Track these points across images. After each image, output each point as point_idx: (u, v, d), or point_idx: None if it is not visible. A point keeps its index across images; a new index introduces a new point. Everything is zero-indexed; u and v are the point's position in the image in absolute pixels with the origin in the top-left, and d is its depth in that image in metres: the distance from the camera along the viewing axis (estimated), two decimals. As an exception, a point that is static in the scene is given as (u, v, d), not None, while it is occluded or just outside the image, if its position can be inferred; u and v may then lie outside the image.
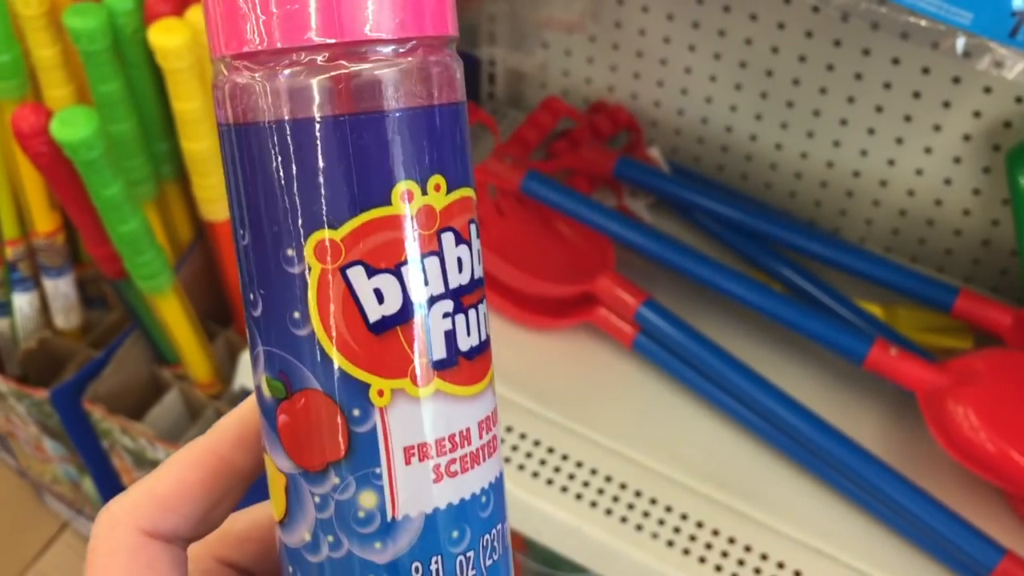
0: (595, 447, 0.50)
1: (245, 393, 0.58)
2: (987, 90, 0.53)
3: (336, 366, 0.20)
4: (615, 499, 0.49)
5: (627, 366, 0.55)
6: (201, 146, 0.54)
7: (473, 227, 0.21)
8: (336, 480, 0.20)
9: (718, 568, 0.46)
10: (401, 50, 0.19)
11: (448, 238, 0.20)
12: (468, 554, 0.20)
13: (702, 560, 0.47)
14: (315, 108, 0.19)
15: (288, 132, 0.19)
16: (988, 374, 0.47)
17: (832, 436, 0.48)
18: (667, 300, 0.53)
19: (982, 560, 0.44)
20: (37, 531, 0.84)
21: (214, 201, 0.57)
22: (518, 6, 0.53)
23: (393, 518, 0.20)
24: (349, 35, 0.19)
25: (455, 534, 0.20)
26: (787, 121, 0.61)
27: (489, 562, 0.21)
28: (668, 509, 0.49)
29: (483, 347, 0.21)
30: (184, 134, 0.54)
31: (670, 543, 0.47)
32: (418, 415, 0.20)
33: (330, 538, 0.20)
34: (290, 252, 0.19)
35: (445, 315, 0.20)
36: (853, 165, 0.60)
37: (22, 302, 0.66)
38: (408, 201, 0.19)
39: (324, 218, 0.19)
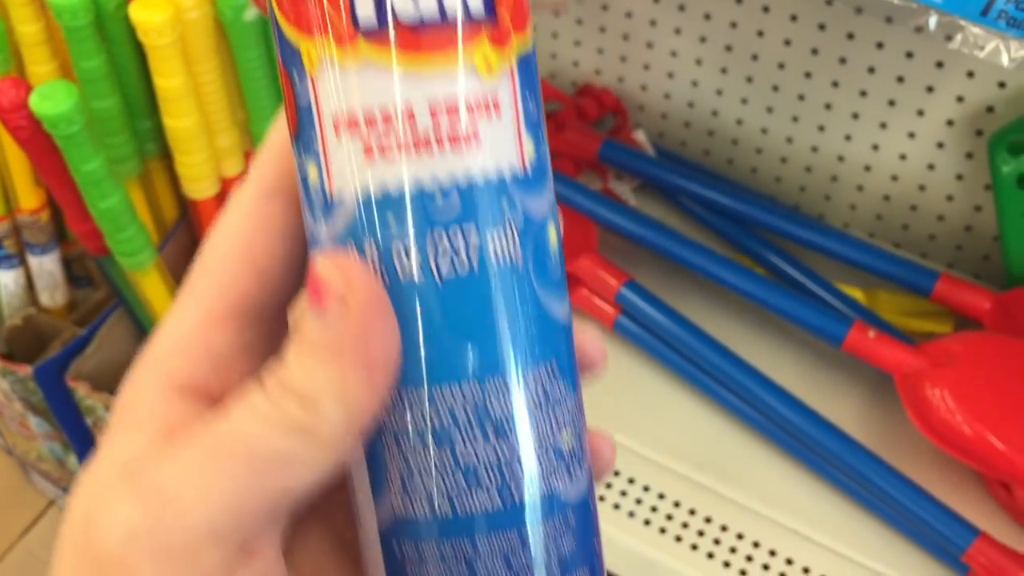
0: (574, 427, 0.50)
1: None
2: (970, 75, 0.53)
3: (282, 31, 0.19)
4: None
5: (608, 347, 0.55)
6: (184, 123, 0.54)
7: None
8: (296, 153, 0.20)
9: (694, 547, 0.46)
10: None
11: None
12: (408, 247, 0.19)
13: (678, 539, 0.47)
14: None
15: None
16: (965, 357, 0.47)
17: (810, 418, 0.48)
18: (649, 282, 0.53)
19: (957, 540, 0.44)
20: (24, 509, 0.84)
21: (197, 179, 0.57)
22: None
23: (330, 193, 0.19)
24: None
25: (392, 220, 0.19)
26: (772, 105, 0.61)
27: (444, 264, 0.19)
28: (646, 489, 0.49)
29: (446, 18, 0.18)
30: (167, 111, 0.54)
31: (647, 522, 0.47)
32: (343, 84, 0.18)
33: (304, 211, 0.20)
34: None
35: None
36: (837, 150, 0.60)
37: (7, 279, 0.66)
38: None
39: None
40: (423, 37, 0.18)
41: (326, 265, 0.18)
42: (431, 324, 0.19)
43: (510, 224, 0.19)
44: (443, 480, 0.19)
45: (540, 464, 0.20)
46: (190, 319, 0.20)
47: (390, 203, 0.19)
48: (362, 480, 0.20)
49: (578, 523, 0.21)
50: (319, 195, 0.19)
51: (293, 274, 0.20)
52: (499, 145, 0.19)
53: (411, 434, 0.19)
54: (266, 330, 0.20)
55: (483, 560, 0.19)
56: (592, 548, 0.22)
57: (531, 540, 0.20)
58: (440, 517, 0.19)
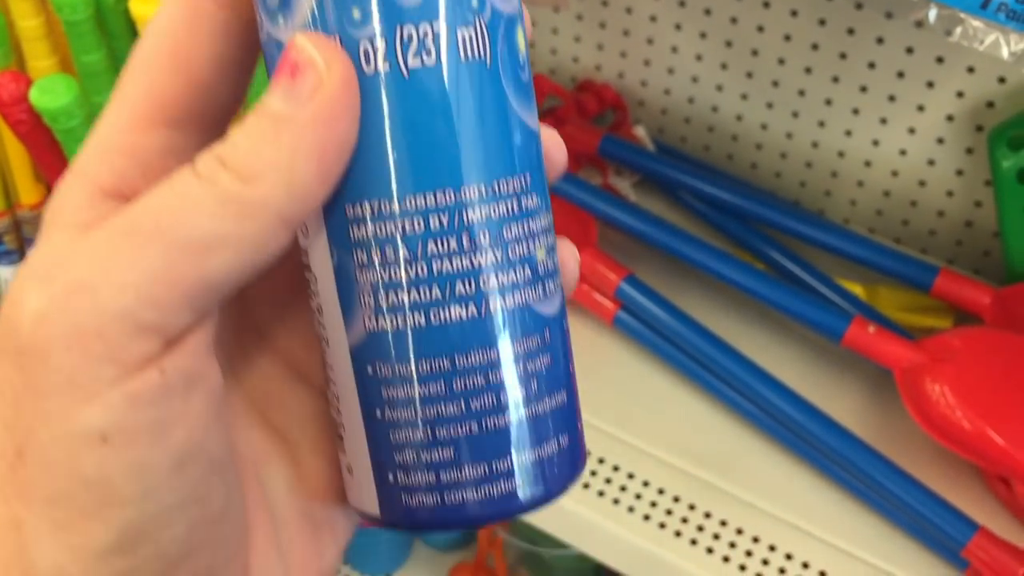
0: (574, 422, 0.50)
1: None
2: (970, 70, 0.53)
3: None
4: (593, 473, 0.49)
5: (608, 342, 0.55)
6: (184, 118, 0.54)
7: None
8: None
9: (693, 542, 0.46)
10: None
11: None
12: (375, 41, 0.18)
13: (677, 534, 0.47)
14: None
15: None
16: (965, 352, 0.47)
17: (810, 413, 0.48)
18: (649, 278, 0.53)
19: (956, 536, 0.44)
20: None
21: (197, 174, 0.57)
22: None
23: None
24: None
25: (357, 13, 0.18)
26: (772, 101, 0.61)
27: (412, 61, 0.18)
28: (646, 484, 0.49)
29: None
30: (167, 106, 0.54)
31: (646, 517, 0.47)
32: None
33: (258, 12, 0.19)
34: None
35: None
36: (838, 145, 0.60)
37: (7, 275, 0.66)
38: None
39: None
40: None
41: (306, 43, 0.18)
42: (401, 127, 0.19)
43: (478, 19, 0.19)
44: (418, 293, 0.19)
45: (517, 275, 0.20)
46: (117, 123, 0.19)
47: None
48: (330, 299, 0.20)
49: (553, 341, 0.21)
50: None
51: (227, 78, 0.20)
52: None
53: (384, 247, 0.19)
54: (198, 136, 0.20)
55: (460, 376, 0.19)
56: (568, 372, 0.21)
57: (509, 355, 0.19)
58: (416, 331, 0.19)
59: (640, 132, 0.64)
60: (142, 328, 0.16)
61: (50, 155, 0.50)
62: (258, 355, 0.23)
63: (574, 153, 0.62)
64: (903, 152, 0.58)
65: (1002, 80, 0.52)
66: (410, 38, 0.18)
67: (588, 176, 0.62)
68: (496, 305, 0.19)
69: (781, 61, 0.59)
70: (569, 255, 0.22)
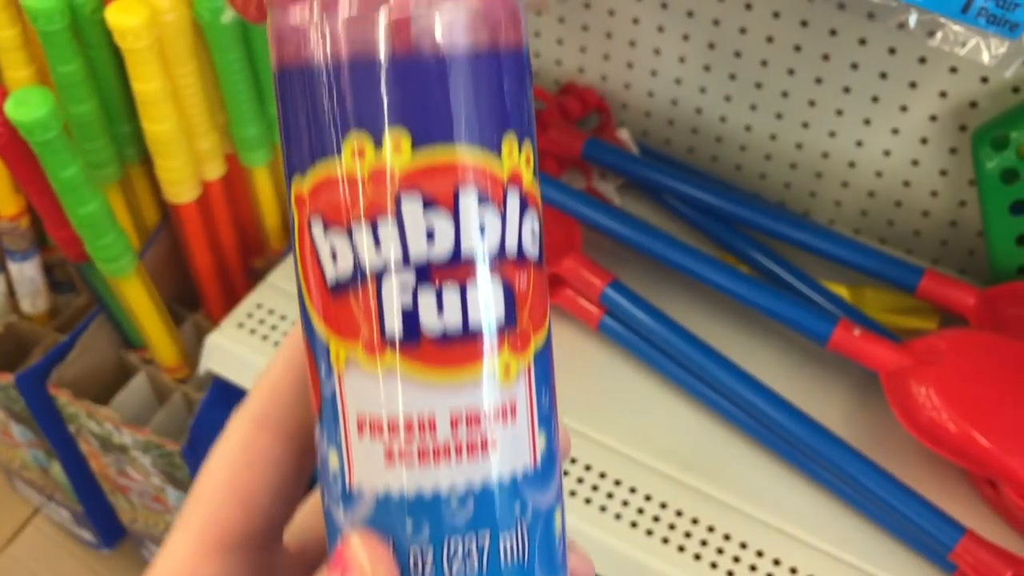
0: (560, 429, 0.50)
1: (211, 377, 0.58)
2: (953, 70, 0.53)
3: (309, 319, 0.19)
4: (580, 481, 0.49)
5: (593, 348, 0.54)
6: (163, 128, 0.53)
7: (468, 197, 0.18)
8: (318, 433, 0.20)
9: (681, 548, 0.46)
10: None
11: (412, 203, 0.18)
12: (424, 550, 0.19)
13: (665, 541, 0.46)
14: (275, 56, 0.19)
15: (274, 76, 0.19)
16: (951, 354, 0.47)
17: (796, 418, 0.48)
18: (634, 282, 0.53)
19: (943, 539, 0.44)
20: (8, 517, 0.83)
21: (178, 184, 0.57)
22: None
23: (350, 486, 0.19)
24: None
25: (409, 524, 0.19)
26: (756, 103, 0.61)
27: (456, 567, 0.19)
28: (632, 490, 0.48)
29: (469, 332, 0.19)
30: (145, 116, 0.53)
31: (633, 524, 0.47)
32: (369, 387, 0.19)
33: (320, 483, 0.20)
34: (288, 195, 0.19)
35: (404, 288, 0.18)
36: (822, 146, 0.60)
37: (-13, 286, 0.66)
38: (359, 157, 0.18)
39: (297, 164, 0.19)
40: (448, 350, 0.19)
41: (360, 546, 0.19)
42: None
43: (520, 523, 0.20)
44: None
45: None
46: (180, 552, 0.21)
47: (407, 507, 0.19)
48: None
49: None
50: (339, 482, 0.19)
51: (282, 503, 0.21)
52: (514, 448, 0.19)
53: None
54: (254, 557, 0.21)
55: None
56: None
57: None
58: None
59: (624, 135, 0.63)
60: None
61: (27, 168, 0.50)
62: None
63: (558, 157, 0.61)
64: (887, 153, 0.58)
65: (985, 80, 0.52)
66: (457, 550, 0.19)
67: (572, 180, 0.62)
68: None
69: (764, 63, 0.59)
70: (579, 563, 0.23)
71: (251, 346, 0.55)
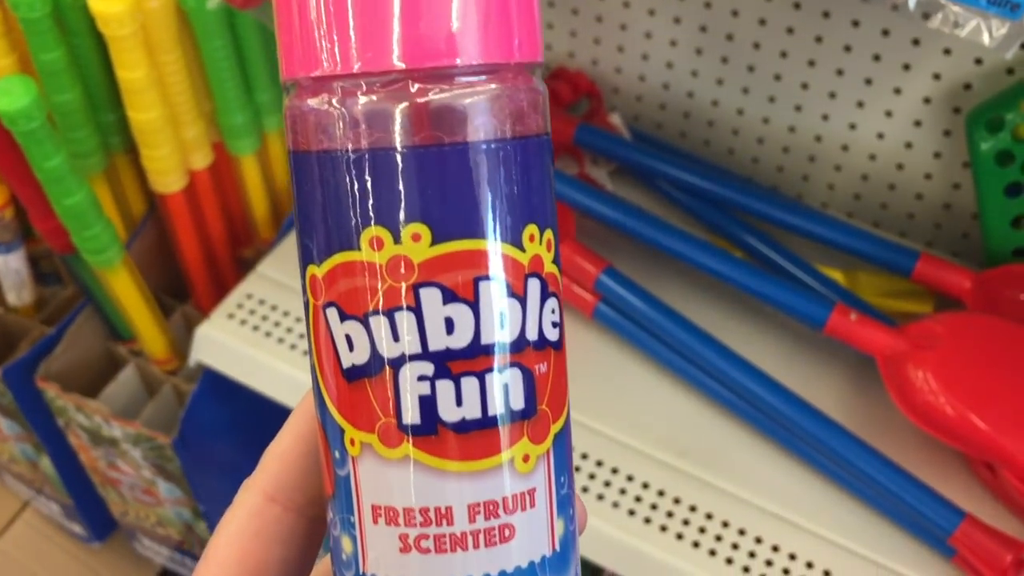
0: (555, 417, 0.50)
1: (201, 368, 0.57)
2: (947, 52, 0.53)
3: (324, 403, 0.19)
4: (577, 469, 0.48)
5: (588, 335, 0.54)
6: (148, 116, 0.53)
7: (488, 287, 0.18)
8: (330, 514, 0.20)
9: (679, 536, 0.46)
10: (347, 86, 0.18)
11: (431, 294, 0.18)
12: None
13: (663, 529, 0.46)
14: (290, 142, 0.19)
15: (289, 156, 0.19)
16: (947, 338, 0.47)
17: (793, 403, 0.47)
18: (628, 268, 0.53)
19: (942, 523, 0.44)
20: (-3, 511, 0.83)
21: (165, 173, 0.56)
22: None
23: (364, 573, 0.19)
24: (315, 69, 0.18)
25: None
26: (748, 86, 0.60)
27: None
28: (629, 478, 0.48)
29: (488, 422, 0.18)
30: (130, 104, 0.52)
31: (631, 512, 0.47)
32: (385, 476, 0.18)
33: (333, 564, 0.20)
34: (301, 280, 0.19)
35: (422, 378, 0.18)
36: (815, 130, 0.60)
37: (-28, 278, 0.65)
38: (377, 248, 0.18)
39: (313, 252, 0.18)
40: (466, 441, 0.18)
41: None
42: None
43: None
44: None
45: None
46: None
47: None
48: None
49: None
50: (352, 567, 0.19)
51: (293, 574, 0.21)
52: (533, 535, 0.19)
53: None
54: None
55: None
56: None
57: None
58: None
59: (616, 120, 0.63)
60: None
61: (10, 158, 0.49)
62: None
63: (549, 143, 0.61)
64: (880, 135, 0.58)
65: (979, 62, 0.52)
66: None
67: (564, 166, 0.61)
68: None
69: (756, 46, 0.58)
70: None
71: (242, 337, 0.54)
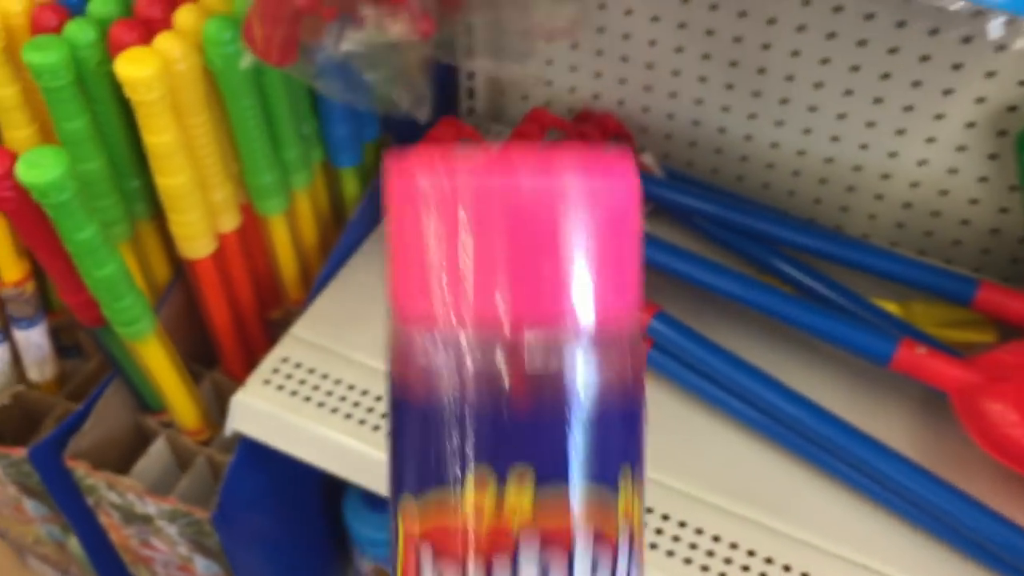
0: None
1: (237, 438, 0.55)
2: (990, 75, 0.52)
3: None
4: (643, 525, 0.46)
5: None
6: (176, 181, 0.51)
7: (584, 540, 0.18)
8: None
9: (758, 591, 0.44)
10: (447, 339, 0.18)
11: (530, 546, 0.18)
12: None
13: (740, 584, 0.44)
14: (395, 385, 0.19)
15: (391, 399, 0.20)
16: (1020, 368, 0.45)
17: (862, 441, 0.46)
18: (675, 311, 0.51)
19: (1032, 562, 0.42)
20: (20, 595, 0.80)
21: (193, 238, 0.54)
22: (503, 15, 0.51)
23: None
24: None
25: None
26: (782, 118, 0.59)
27: None
28: (699, 531, 0.46)
29: None
30: (158, 169, 0.51)
31: (704, 568, 0.45)
32: None
33: None
34: (393, 506, 0.19)
35: None
36: (853, 160, 0.58)
37: (-8, 356, 0.63)
38: (481, 494, 0.18)
39: (409, 485, 0.19)
40: None
41: None
42: None
43: None
44: None
45: None
46: None
47: None
48: None
49: None
50: None
51: None
52: None
53: None
54: None
55: None
56: None
57: None
58: None
59: (648, 159, 0.62)
60: None
61: (39, 232, 0.47)
62: None
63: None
64: (923, 162, 0.56)
65: (1023, 83, 0.51)
66: None
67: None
68: None
69: (789, 78, 0.57)
70: None
71: (279, 403, 0.52)
